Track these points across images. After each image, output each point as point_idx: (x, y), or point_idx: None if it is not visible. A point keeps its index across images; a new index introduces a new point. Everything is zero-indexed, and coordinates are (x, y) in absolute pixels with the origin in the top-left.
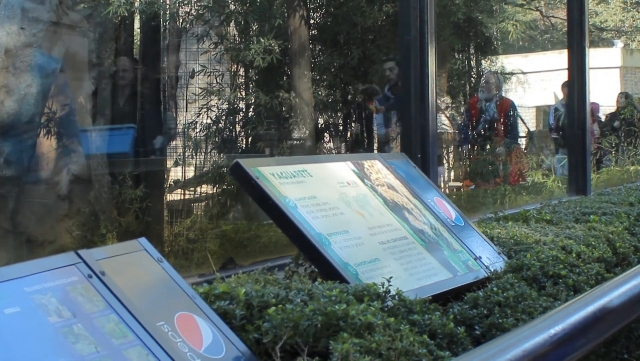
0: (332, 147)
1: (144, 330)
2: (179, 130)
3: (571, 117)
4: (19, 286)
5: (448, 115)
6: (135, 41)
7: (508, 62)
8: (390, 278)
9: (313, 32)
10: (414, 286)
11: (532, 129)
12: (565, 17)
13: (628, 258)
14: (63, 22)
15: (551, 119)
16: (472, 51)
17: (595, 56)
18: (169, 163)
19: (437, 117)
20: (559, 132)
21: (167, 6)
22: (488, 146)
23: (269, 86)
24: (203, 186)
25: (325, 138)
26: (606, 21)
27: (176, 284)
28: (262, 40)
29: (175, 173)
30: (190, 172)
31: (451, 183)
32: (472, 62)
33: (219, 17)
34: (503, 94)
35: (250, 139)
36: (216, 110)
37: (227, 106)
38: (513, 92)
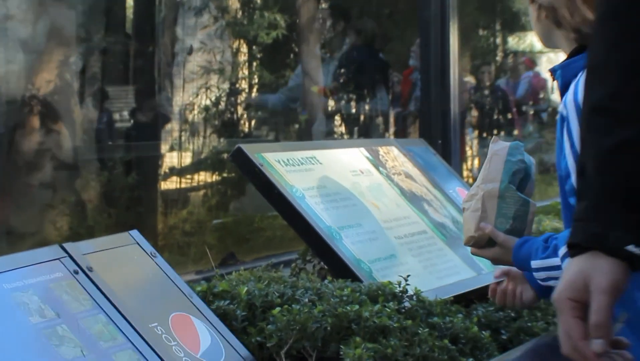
0: (343, 131)
1: (135, 331)
2: (176, 112)
3: None
4: None
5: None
6: (127, 14)
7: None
8: (408, 276)
9: (323, 5)
10: (434, 286)
11: None
12: None
13: None
14: None
15: None
16: (498, 28)
17: None
18: (164, 148)
19: (459, 100)
20: None
21: None
22: (516, 131)
23: (274, 64)
24: (201, 173)
25: (336, 122)
26: None
27: (171, 282)
28: (266, 14)
29: (171, 160)
30: (188, 159)
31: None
32: (498, 40)
33: None
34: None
35: (253, 122)
36: (216, 90)
37: (228, 85)
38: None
